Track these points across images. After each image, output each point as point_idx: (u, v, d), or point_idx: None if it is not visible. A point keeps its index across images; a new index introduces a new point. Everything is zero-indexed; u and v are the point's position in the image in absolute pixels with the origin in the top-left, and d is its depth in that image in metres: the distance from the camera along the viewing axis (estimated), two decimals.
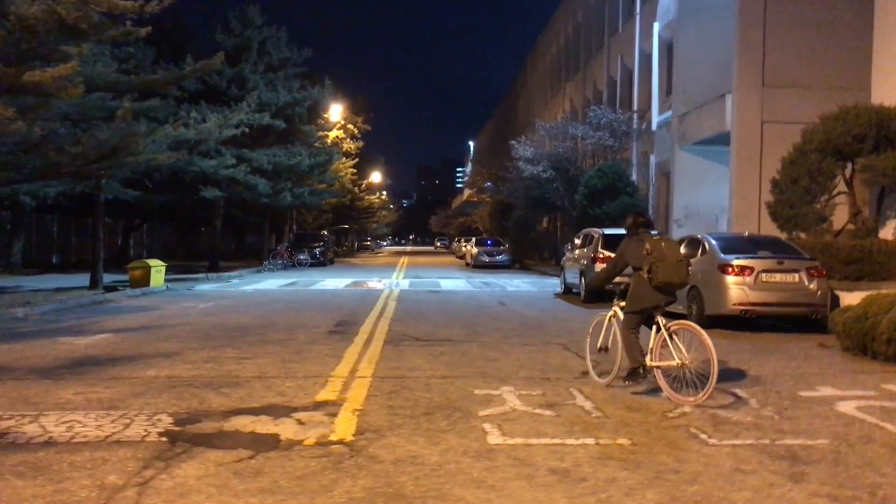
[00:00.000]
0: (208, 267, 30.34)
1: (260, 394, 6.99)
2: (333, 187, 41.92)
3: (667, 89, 29.02)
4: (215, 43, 31.87)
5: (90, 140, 14.89)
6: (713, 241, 12.68)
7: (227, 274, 28.14)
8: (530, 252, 42.94)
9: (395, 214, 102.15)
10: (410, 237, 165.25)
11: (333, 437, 5.48)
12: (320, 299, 18.20)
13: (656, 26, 29.67)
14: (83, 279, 21.53)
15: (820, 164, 14.32)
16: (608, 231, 17.92)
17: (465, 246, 43.35)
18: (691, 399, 6.56)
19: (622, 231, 19.08)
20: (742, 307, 11.63)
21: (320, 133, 36.98)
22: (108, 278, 20.42)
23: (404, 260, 49.90)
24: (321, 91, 34.38)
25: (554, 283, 24.84)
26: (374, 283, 25.02)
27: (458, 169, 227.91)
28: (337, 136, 43.28)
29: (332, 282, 25.27)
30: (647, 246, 7.02)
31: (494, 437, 5.51)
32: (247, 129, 23.95)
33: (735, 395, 7.15)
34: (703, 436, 5.64)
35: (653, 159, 30.07)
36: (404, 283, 24.57)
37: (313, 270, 33.84)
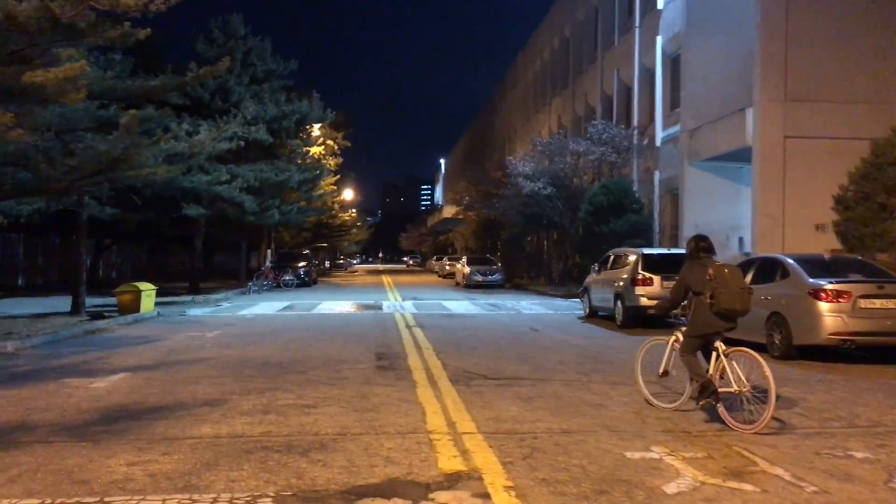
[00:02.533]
0: (189, 289, 28.54)
1: (364, 461, 5.59)
2: (315, 205, 40.32)
3: (671, 104, 28.18)
4: (196, 54, 30.28)
5: (87, 151, 13.32)
6: (795, 264, 11.53)
7: (213, 297, 26.42)
8: (520, 271, 41.76)
9: (366, 232, 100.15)
10: (379, 255, 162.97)
11: None
12: (333, 326, 16.71)
13: (659, 40, 28.80)
14: (58, 303, 19.84)
15: None
16: (647, 251, 16.77)
17: (456, 265, 41.81)
18: (750, 427, 6.48)
19: (663, 251, 18.17)
20: (840, 337, 10.45)
21: (305, 148, 35.42)
22: (86, 302, 18.60)
23: (387, 279, 48.26)
24: (310, 104, 32.85)
25: (561, 305, 23.78)
26: (377, 305, 23.52)
27: (423, 187, 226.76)
28: (318, 152, 41.66)
29: (331, 305, 23.72)
30: (710, 271, 6.92)
31: None
32: (242, 143, 22.39)
33: None
34: None
35: (657, 176, 29.10)
36: (408, 306, 23.13)
37: (301, 292, 32.13)
